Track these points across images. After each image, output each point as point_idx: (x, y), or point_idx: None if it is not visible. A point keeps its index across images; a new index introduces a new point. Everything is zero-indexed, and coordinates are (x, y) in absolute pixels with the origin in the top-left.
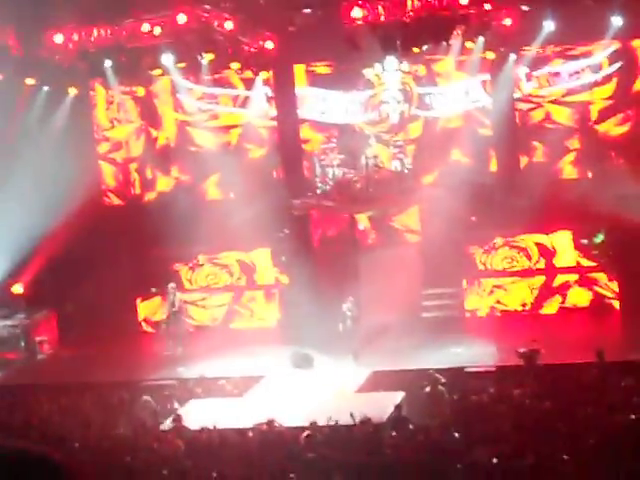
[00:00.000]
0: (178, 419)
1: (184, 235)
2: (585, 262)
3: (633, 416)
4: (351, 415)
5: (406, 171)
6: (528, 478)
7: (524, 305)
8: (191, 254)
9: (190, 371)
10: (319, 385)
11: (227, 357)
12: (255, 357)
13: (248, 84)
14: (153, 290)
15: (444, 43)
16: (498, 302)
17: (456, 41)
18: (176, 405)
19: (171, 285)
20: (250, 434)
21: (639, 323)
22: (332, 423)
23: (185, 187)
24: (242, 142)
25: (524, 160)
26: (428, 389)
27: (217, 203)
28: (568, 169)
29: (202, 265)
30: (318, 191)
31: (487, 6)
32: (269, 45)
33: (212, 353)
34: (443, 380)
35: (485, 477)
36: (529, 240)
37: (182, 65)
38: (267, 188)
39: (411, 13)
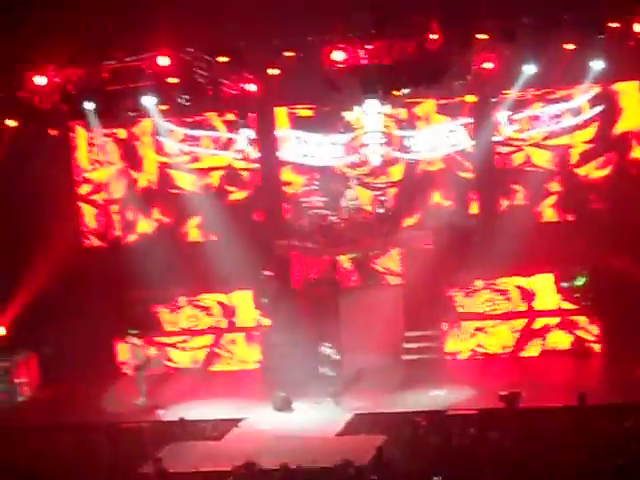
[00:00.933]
0: (158, 462)
1: (165, 277)
2: (566, 305)
3: (620, 462)
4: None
5: (387, 213)
6: None
7: (505, 348)
8: (171, 296)
9: (170, 414)
10: (300, 428)
11: (207, 400)
12: (235, 400)
13: (230, 126)
14: (132, 332)
15: (425, 86)
16: (479, 345)
17: (437, 85)
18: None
19: (131, 338)
20: (230, 478)
21: (620, 366)
22: (313, 466)
23: (166, 229)
24: (223, 184)
25: (504, 203)
26: (409, 432)
27: (198, 245)
28: (549, 212)
29: (182, 307)
30: (300, 233)
31: (468, 50)
32: (251, 87)
33: (192, 396)
34: (424, 423)
35: None
36: (510, 283)
37: (164, 107)
38: (248, 230)
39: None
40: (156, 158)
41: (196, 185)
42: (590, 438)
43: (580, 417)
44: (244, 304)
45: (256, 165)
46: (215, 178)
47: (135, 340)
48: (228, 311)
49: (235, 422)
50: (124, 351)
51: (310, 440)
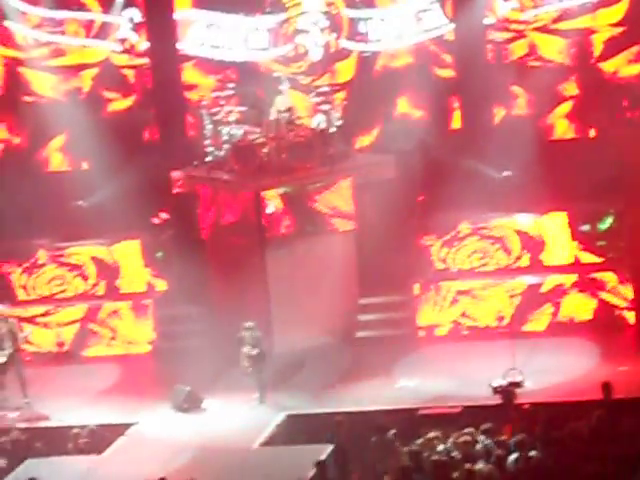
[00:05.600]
0: None
1: (15, 223)
2: (587, 257)
3: None
4: None
5: (333, 129)
6: None
7: (501, 319)
8: (26, 250)
9: (25, 416)
10: (210, 436)
11: (79, 397)
12: (120, 397)
13: (107, 5)
14: None
15: None
16: (464, 315)
17: None
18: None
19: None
20: None
21: None
22: None
23: (16, 153)
24: (99, 89)
25: (500, 113)
26: (365, 441)
27: (63, 176)
28: (562, 125)
29: (43, 265)
30: (209, 158)
31: None
32: None
33: (58, 392)
34: (386, 428)
35: None
36: (507, 227)
37: None
38: (136, 155)
39: None
40: (2, 52)
41: (59, 90)
42: (618, 444)
43: (605, 415)
44: (130, 261)
45: (145, 60)
46: (86, 80)
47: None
48: (108, 271)
49: (120, 429)
50: None
51: (225, 453)
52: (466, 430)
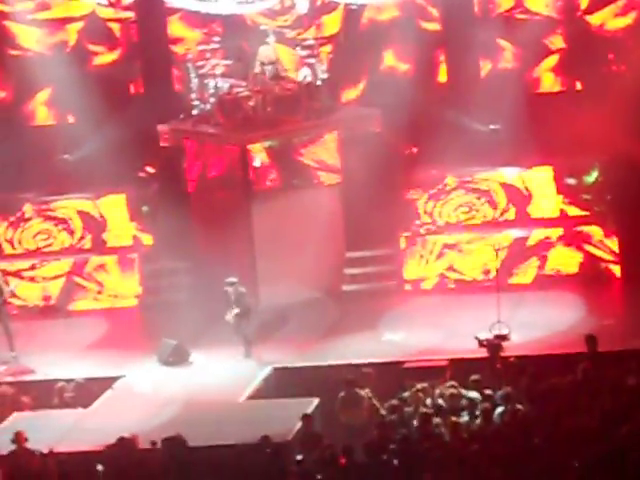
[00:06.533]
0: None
1: (1, 177)
2: (572, 211)
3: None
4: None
5: (319, 83)
6: None
7: (487, 273)
8: (12, 204)
9: (11, 371)
10: (196, 390)
11: (66, 351)
12: (107, 351)
13: None
14: None
15: None
16: (450, 269)
17: None
18: None
19: None
20: (101, 458)
21: None
22: (216, 443)
23: (2, 107)
24: (84, 42)
25: (486, 67)
26: (351, 394)
27: (49, 130)
28: (548, 79)
29: (29, 219)
30: (195, 112)
31: None
32: None
33: (44, 346)
34: (372, 381)
35: None
36: (493, 180)
37: None
38: (121, 108)
39: None
40: None
41: (45, 44)
42: (603, 396)
43: (590, 368)
44: (116, 215)
45: (130, 14)
46: (72, 33)
47: None
48: (94, 225)
49: (107, 382)
50: None
51: (211, 407)
52: (452, 383)
